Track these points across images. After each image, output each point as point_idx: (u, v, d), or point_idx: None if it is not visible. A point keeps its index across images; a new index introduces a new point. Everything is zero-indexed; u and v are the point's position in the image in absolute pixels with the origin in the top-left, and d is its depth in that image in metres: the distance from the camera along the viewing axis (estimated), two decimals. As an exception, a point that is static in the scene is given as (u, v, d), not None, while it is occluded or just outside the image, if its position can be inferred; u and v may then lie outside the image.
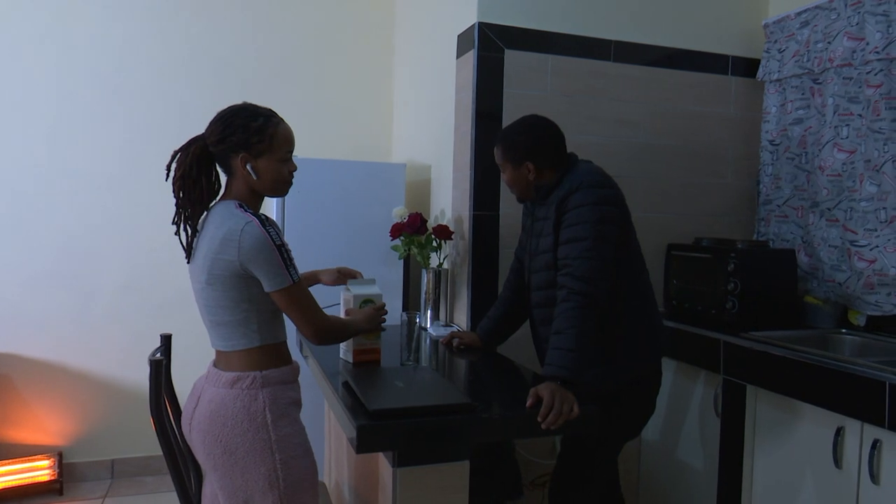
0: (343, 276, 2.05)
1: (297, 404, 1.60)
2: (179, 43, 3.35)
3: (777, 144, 2.77)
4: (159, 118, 3.32)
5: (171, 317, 3.30)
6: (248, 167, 1.53)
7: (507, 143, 1.96)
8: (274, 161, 1.55)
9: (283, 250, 1.48)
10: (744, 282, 2.36)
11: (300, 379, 1.65)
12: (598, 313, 1.73)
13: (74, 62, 3.20)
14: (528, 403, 1.59)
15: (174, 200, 1.56)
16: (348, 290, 1.94)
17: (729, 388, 2.20)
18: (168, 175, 1.57)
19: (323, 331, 1.56)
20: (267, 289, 1.49)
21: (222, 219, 1.50)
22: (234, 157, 1.54)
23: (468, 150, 2.55)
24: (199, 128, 1.61)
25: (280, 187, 1.60)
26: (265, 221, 1.48)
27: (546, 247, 1.89)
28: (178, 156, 1.57)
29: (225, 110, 1.57)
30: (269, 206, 3.16)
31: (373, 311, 1.85)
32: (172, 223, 1.56)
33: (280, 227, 2.82)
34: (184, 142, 1.59)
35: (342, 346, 2.01)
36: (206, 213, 1.58)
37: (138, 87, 3.30)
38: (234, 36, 3.44)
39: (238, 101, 1.62)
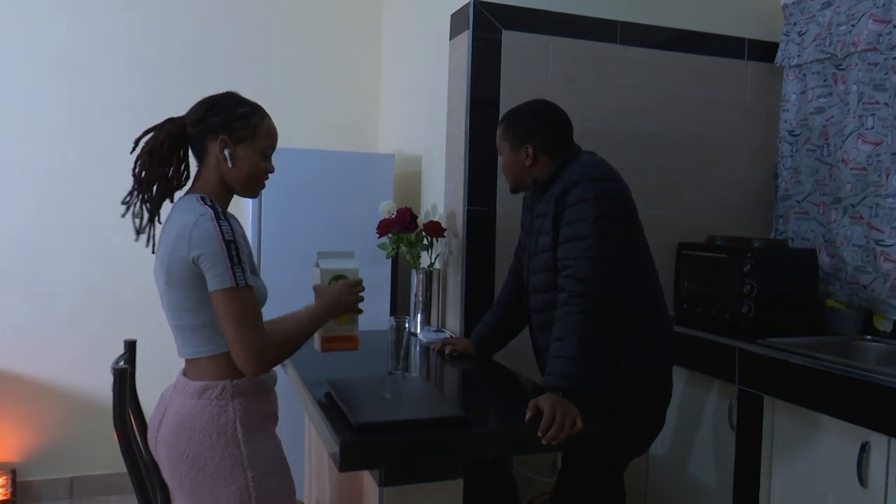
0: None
1: (273, 417, 1.59)
2: (145, 24, 3.32)
3: (797, 135, 2.77)
4: (122, 107, 3.29)
5: (135, 321, 3.26)
6: (225, 152, 1.54)
7: (509, 121, 1.99)
8: (253, 152, 1.56)
9: (231, 247, 1.44)
10: (761, 284, 2.36)
11: (277, 389, 1.64)
12: (602, 318, 1.72)
13: (27, 45, 3.16)
14: (527, 416, 1.58)
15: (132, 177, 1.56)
16: (317, 264, 1.77)
17: (745, 400, 2.20)
18: (134, 148, 1.57)
19: (256, 352, 1.43)
20: (209, 287, 1.45)
21: (182, 212, 1.50)
22: (211, 139, 1.54)
23: (462, 140, 2.54)
24: (167, 117, 1.61)
25: (253, 184, 1.60)
26: (220, 214, 1.47)
27: (545, 246, 1.89)
28: (150, 133, 1.57)
29: (211, 95, 1.60)
30: (246, 200, 3.13)
31: (342, 289, 1.66)
32: (122, 202, 1.56)
33: (257, 223, 2.81)
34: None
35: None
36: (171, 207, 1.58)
37: (99, 72, 3.26)
38: (205, 15, 3.41)
39: (211, 87, 1.64)
